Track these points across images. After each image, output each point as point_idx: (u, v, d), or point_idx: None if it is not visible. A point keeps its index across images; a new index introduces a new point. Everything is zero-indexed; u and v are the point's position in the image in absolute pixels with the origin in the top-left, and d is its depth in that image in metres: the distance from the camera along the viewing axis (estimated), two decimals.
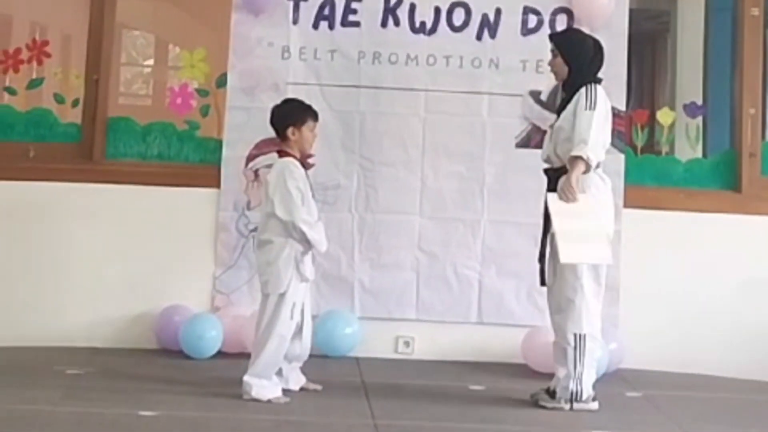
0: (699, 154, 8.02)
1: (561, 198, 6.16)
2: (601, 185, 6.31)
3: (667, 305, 7.38)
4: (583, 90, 6.25)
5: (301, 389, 6.43)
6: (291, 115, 6.34)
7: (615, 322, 7.30)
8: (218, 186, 7.40)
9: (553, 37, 6.56)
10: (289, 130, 6.30)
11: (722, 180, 7.69)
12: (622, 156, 7.44)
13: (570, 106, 6.28)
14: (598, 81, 6.31)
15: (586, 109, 6.18)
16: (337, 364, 7.14)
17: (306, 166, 6.58)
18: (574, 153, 6.15)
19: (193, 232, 7.41)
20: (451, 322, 7.43)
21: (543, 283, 6.36)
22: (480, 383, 6.80)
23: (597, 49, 6.41)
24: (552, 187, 6.27)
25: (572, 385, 6.22)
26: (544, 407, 6.29)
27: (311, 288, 7.30)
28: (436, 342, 7.42)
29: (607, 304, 7.18)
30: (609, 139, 6.35)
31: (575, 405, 6.25)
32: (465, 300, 7.43)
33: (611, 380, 6.89)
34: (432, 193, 7.44)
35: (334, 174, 7.39)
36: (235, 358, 7.01)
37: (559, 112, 6.39)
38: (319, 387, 6.45)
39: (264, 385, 6.19)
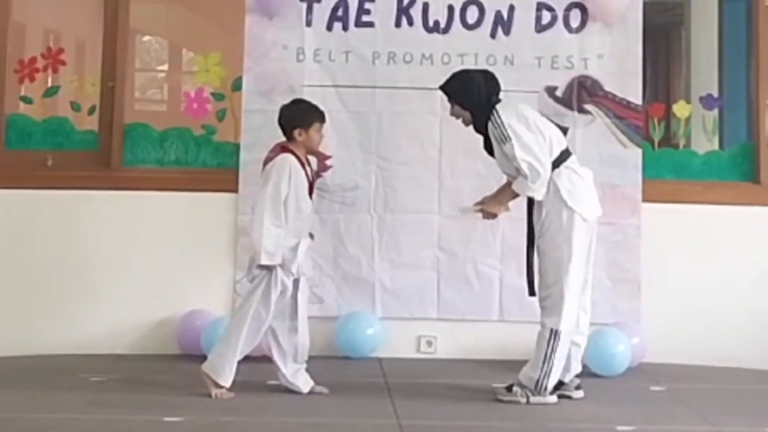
0: (716, 146, 7.98)
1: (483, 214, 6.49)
2: (575, 178, 6.32)
3: (688, 298, 7.37)
4: (489, 125, 6.29)
5: (310, 392, 6.42)
6: (298, 117, 6.41)
7: (636, 316, 7.30)
8: (236, 190, 7.40)
9: (442, 88, 6.50)
10: (296, 131, 6.37)
11: (740, 171, 7.66)
12: (640, 150, 7.43)
13: (494, 147, 6.33)
14: (497, 103, 6.32)
15: (503, 143, 6.24)
16: (360, 365, 7.14)
17: (321, 168, 6.54)
18: (514, 187, 6.29)
19: (213, 236, 7.41)
20: (473, 320, 7.43)
21: (532, 293, 6.38)
22: (503, 381, 6.77)
23: (485, 79, 6.40)
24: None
25: (540, 377, 6.24)
26: (501, 401, 6.32)
27: (332, 289, 7.32)
28: (458, 341, 7.42)
29: (627, 298, 7.27)
30: (551, 135, 6.32)
31: (532, 399, 6.28)
32: (486, 298, 7.42)
33: (635, 375, 6.89)
34: (450, 192, 7.43)
35: (352, 175, 7.38)
36: (257, 361, 7.01)
37: (489, 151, 6.43)
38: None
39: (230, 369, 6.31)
